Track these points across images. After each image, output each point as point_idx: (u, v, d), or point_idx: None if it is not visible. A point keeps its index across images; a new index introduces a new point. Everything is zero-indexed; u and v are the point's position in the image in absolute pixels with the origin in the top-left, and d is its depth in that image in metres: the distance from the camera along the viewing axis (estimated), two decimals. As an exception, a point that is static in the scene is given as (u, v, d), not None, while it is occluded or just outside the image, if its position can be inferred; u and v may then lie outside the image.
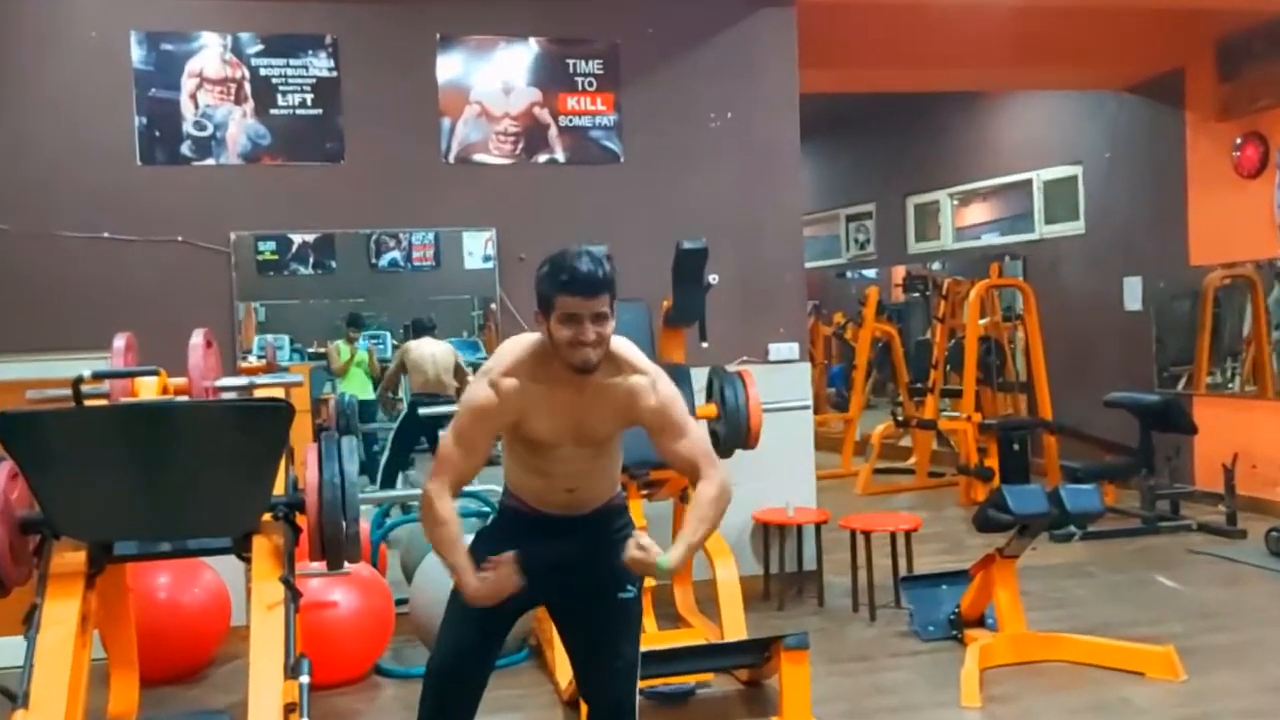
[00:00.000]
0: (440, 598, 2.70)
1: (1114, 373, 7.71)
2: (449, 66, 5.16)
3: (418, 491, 5.20)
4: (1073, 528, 6.04)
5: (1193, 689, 3.95)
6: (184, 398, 3.40)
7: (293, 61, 4.99)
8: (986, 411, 8.17)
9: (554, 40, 5.27)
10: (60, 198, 4.75)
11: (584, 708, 2.76)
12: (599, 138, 5.31)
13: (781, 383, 5.16)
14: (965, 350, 8.03)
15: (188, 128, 4.89)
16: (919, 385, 8.98)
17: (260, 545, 2.84)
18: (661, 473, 4.31)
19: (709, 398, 4.66)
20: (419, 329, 5.78)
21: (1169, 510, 6.74)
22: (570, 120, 5.28)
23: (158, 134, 4.86)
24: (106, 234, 4.77)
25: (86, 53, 4.79)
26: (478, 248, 5.26)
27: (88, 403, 2.98)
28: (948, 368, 8.44)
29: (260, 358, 5.24)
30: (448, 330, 5.79)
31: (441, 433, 3.80)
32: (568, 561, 2.54)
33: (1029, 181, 8.87)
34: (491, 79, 5.20)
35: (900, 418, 9.08)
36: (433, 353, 5.73)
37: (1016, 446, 7.64)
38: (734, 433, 4.44)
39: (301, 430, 4.81)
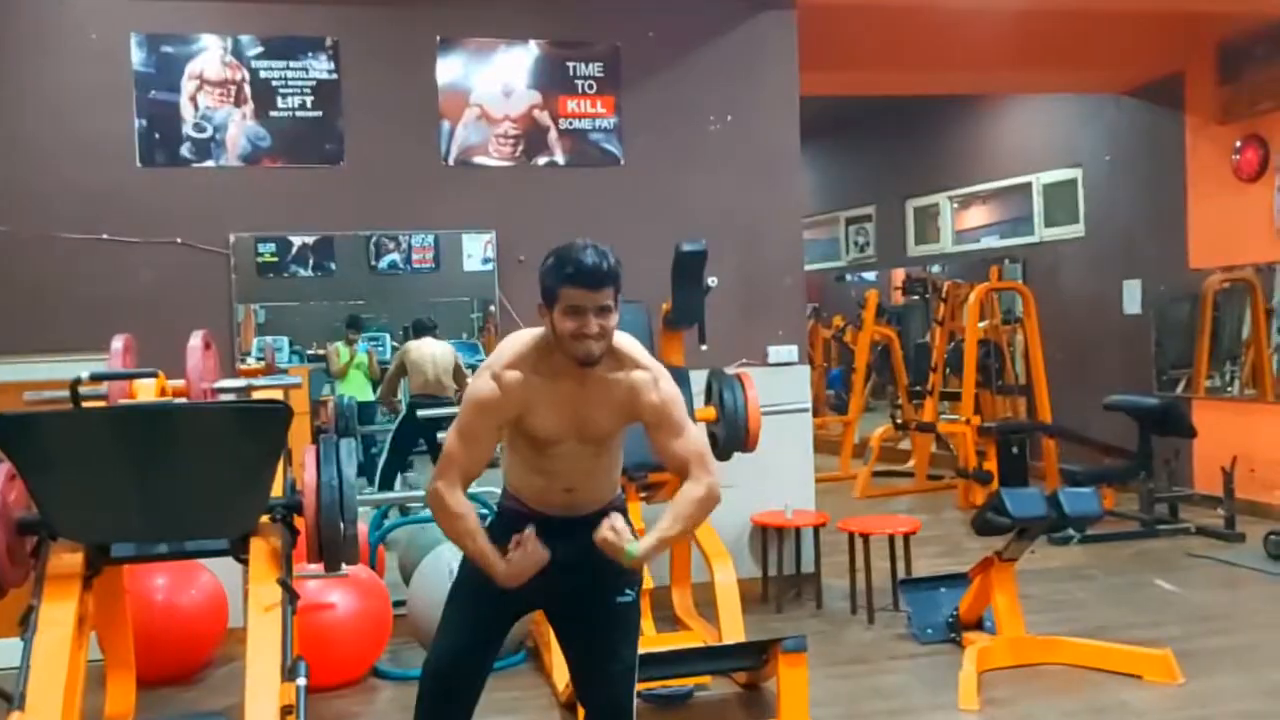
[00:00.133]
0: (438, 600, 2.70)
1: (1113, 376, 7.71)
2: (449, 69, 5.16)
3: (416, 493, 5.25)
4: (1071, 531, 6.01)
5: (1191, 692, 3.95)
6: (182, 400, 3.39)
7: (292, 64, 4.99)
8: (986, 414, 8.16)
9: (554, 43, 5.28)
10: (60, 199, 4.75)
11: (581, 710, 2.76)
12: (599, 140, 5.31)
13: (780, 385, 5.15)
14: (964, 353, 8.01)
15: (187, 130, 4.89)
16: (918, 388, 8.98)
17: (258, 547, 2.85)
18: (660, 475, 4.31)
19: (708, 400, 4.66)
20: (420, 329, 5.77)
21: (1168, 513, 6.74)
22: (570, 123, 5.28)
23: (157, 136, 4.86)
24: (106, 235, 4.77)
25: (86, 55, 4.79)
26: (477, 250, 5.26)
27: (86, 404, 2.99)
28: (947, 371, 8.42)
29: (259, 360, 5.24)
30: (447, 332, 5.79)
31: (440, 435, 3.82)
32: (566, 564, 2.53)
33: (1029, 184, 8.87)
34: (491, 81, 5.20)
35: (899, 421, 9.09)
36: (433, 353, 5.72)
37: (1015, 449, 7.66)
38: (733, 435, 4.44)
39: (300, 432, 4.83)
